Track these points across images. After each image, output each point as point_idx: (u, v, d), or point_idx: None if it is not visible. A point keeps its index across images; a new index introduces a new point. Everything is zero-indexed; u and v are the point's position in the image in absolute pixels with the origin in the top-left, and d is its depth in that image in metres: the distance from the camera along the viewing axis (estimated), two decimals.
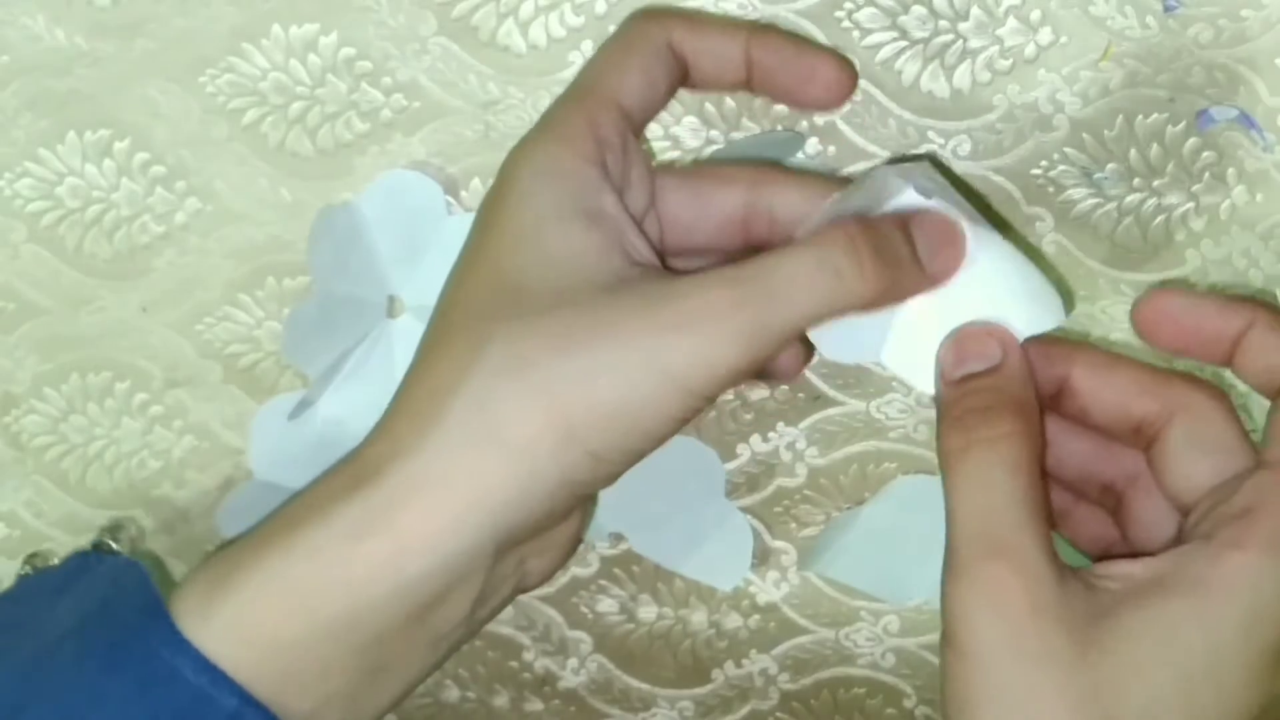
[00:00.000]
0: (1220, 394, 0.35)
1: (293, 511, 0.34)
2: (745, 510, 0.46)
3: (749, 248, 0.38)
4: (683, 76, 0.38)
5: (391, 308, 0.44)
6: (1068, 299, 0.36)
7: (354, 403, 0.44)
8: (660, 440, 0.34)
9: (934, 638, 0.47)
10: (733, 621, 0.48)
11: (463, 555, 0.33)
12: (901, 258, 0.34)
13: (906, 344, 0.36)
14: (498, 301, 0.34)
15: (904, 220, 0.35)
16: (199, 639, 0.32)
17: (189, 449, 0.47)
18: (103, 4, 0.43)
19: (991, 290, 0.36)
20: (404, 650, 0.34)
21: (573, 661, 0.48)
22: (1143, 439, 0.36)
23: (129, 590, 0.34)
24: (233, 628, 0.33)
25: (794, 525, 0.46)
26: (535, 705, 0.48)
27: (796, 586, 0.47)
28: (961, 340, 0.35)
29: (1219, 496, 0.33)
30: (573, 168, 0.35)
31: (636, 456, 0.34)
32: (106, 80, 0.43)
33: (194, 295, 0.45)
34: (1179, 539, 0.34)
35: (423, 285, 0.43)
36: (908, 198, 0.35)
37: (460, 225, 0.43)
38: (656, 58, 0.37)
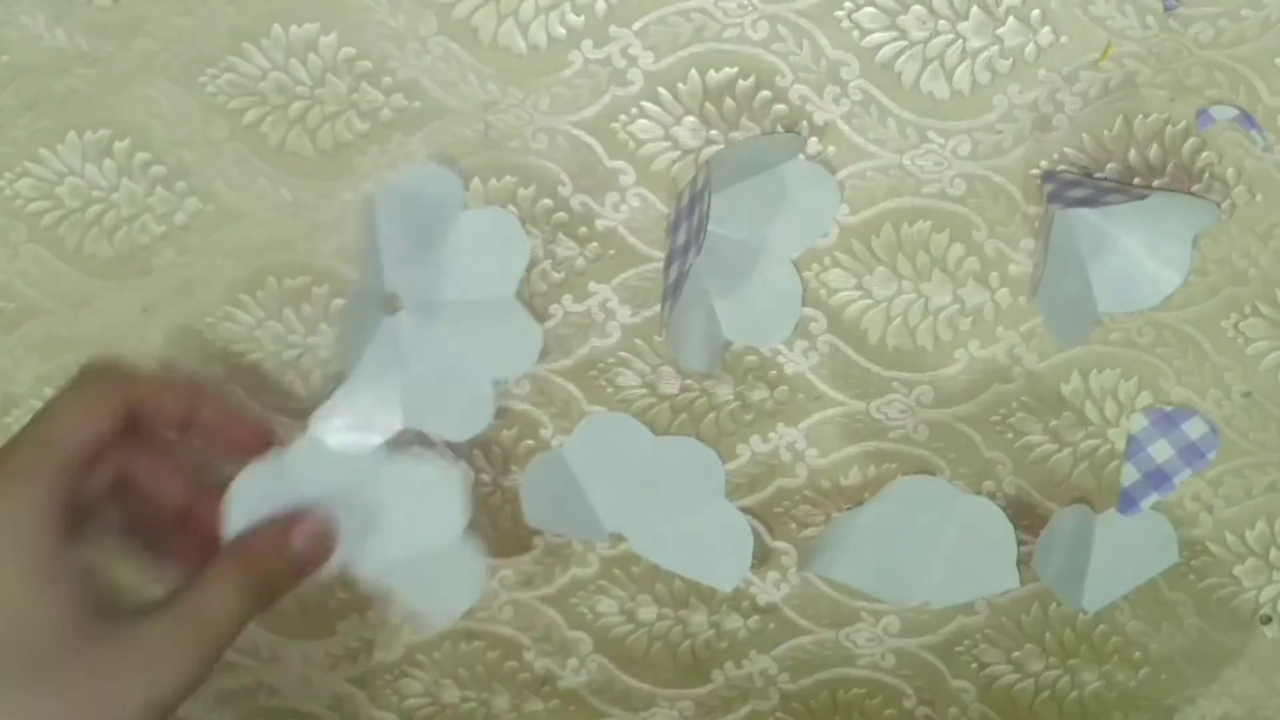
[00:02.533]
0: None
1: None
2: (745, 510, 0.46)
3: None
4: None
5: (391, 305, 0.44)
6: None
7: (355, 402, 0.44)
8: None
9: (934, 638, 0.47)
10: (733, 622, 0.48)
11: None
12: (285, 560, 0.41)
13: None
14: None
15: (286, 527, 0.41)
16: None
17: None
18: (103, 4, 0.43)
19: None
20: None
21: (573, 661, 0.48)
22: None
23: None
24: None
25: (794, 525, 0.46)
26: (535, 705, 0.48)
27: (796, 587, 0.47)
28: None
29: None
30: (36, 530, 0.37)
31: None
32: (106, 80, 0.43)
33: (194, 295, 0.45)
34: None
35: (423, 282, 0.43)
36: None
37: (465, 222, 0.43)
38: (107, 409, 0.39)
